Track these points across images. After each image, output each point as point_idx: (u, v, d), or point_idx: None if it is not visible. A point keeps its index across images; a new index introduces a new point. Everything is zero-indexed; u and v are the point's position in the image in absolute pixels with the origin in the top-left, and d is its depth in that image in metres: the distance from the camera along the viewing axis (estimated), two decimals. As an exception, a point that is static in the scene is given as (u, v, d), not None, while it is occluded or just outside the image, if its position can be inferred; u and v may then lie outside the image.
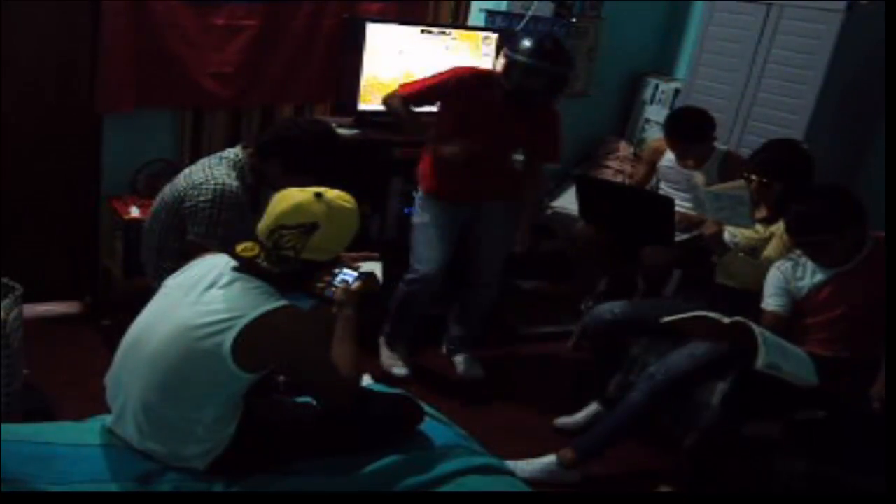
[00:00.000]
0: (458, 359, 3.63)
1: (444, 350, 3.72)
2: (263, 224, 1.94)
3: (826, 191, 2.71)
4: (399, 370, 3.46)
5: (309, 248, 1.89)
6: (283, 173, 2.54)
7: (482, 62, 3.78)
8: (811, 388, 2.47)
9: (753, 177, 2.94)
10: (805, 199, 2.64)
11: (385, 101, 3.40)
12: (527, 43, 3.14)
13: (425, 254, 3.35)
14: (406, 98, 3.31)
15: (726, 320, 2.51)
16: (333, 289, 2.10)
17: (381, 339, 3.57)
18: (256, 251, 1.92)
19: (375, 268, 3.15)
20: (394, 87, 3.69)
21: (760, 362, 2.38)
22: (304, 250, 1.89)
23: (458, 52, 3.76)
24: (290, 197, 1.93)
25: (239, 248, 1.93)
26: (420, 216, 3.40)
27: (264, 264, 1.90)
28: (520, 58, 3.12)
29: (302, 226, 1.88)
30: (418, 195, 3.46)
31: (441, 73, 3.31)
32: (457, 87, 3.25)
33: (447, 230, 3.37)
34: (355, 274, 2.15)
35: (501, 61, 3.20)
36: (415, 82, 3.37)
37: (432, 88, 3.29)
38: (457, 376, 3.58)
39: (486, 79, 3.28)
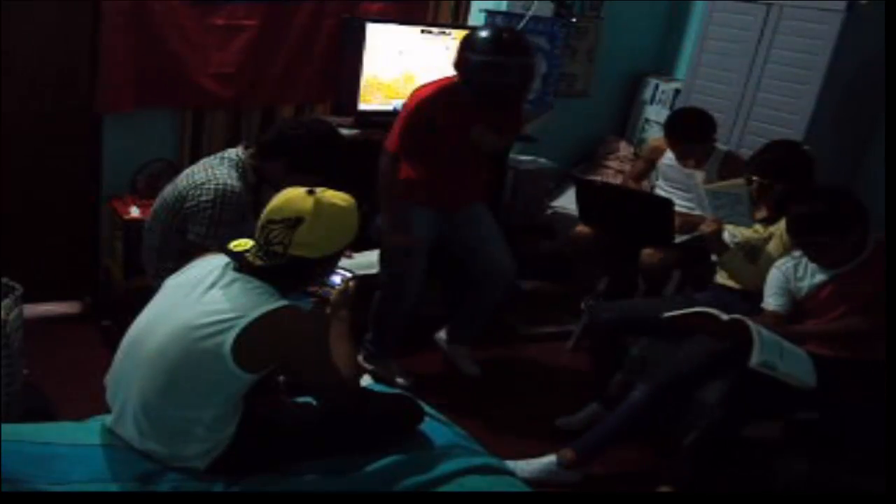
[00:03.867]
0: (461, 351, 3.59)
1: (444, 336, 3.62)
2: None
3: (827, 192, 2.71)
4: (401, 380, 3.40)
5: (295, 244, 1.87)
6: (285, 173, 2.54)
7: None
8: (809, 389, 2.47)
9: (754, 177, 2.94)
10: (806, 200, 2.64)
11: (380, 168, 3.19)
12: (485, 39, 2.96)
13: (410, 269, 3.27)
14: (396, 154, 3.13)
15: (725, 317, 2.52)
16: (327, 288, 2.11)
17: (361, 357, 3.41)
18: (249, 247, 1.92)
19: (371, 258, 3.14)
20: (394, 87, 3.70)
21: (754, 360, 2.38)
22: (291, 246, 1.88)
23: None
24: (283, 193, 1.94)
25: (233, 243, 1.94)
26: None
27: (254, 259, 1.90)
28: (483, 57, 2.94)
29: (288, 220, 1.87)
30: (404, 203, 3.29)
31: (408, 112, 3.11)
32: (427, 112, 3.08)
33: (429, 240, 3.28)
34: (349, 274, 2.16)
35: (461, 64, 3.01)
36: (394, 132, 3.13)
37: (412, 130, 3.10)
38: (455, 375, 3.57)
39: (448, 89, 3.10)
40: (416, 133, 3.11)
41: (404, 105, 3.20)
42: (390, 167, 3.15)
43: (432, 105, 3.09)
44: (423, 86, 3.18)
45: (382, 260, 3.34)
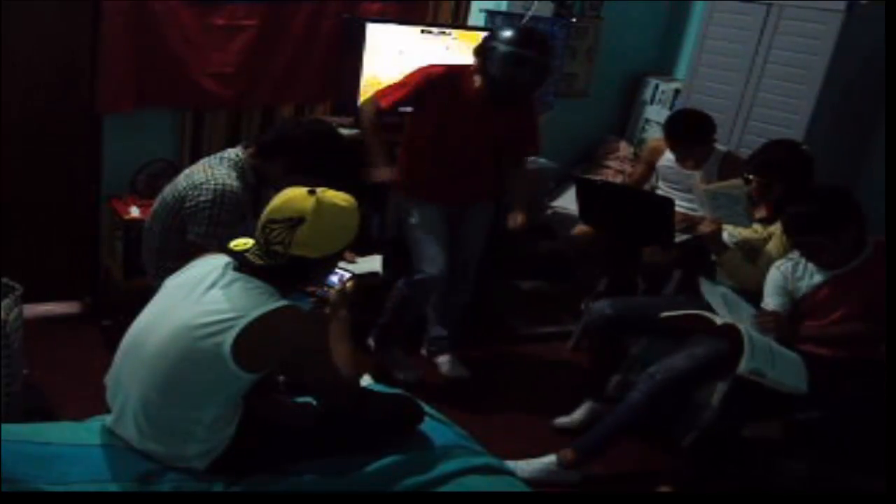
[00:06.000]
0: (442, 360, 3.57)
1: (425, 352, 3.65)
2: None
3: (822, 191, 2.71)
4: (412, 375, 3.41)
5: (296, 244, 1.87)
6: (284, 173, 2.53)
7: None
8: (800, 394, 2.47)
9: (751, 176, 2.94)
10: (800, 200, 2.64)
11: (361, 107, 3.39)
12: (511, 33, 3.12)
13: (429, 254, 3.30)
14: (384, 109, 3.26)
15: (719, 321, 2.52)
16: (326, 288, 2.11)
17: (372, 343, 3.51)
18: (249, 246, 1.92)
19: (374, 262, 3.12)
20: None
21: (743, 368, 2.39)
22: (292, 245, 1.88)
23: (458, 52, 3.76)
24: (284, 193, 1.94)
25: (233, 243, 1.94)
26: (414, 217, 3.33)
27: (254, 259, 1.90)
28: (505, 47, 3.07)
29: (289, 220, 1.87)
30: (407, 198, 3.39)
31: (413, 77, 3.25)
32: (433, 88, 3.20)
33: (442, 230, 3.34)
34: (348, 274, 2.16)
35: (482, 53, 3.14)
36: (391, 90, 3.29)
37: (410, 95, 3.23)
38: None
39: (460, 76, 3.23)
40: (415, 98, 3.21)
41: (417, 69, 3.27)
42: (375, 116, 3.28)
43: (438, 80, 3.20)
44: (436, 65, 3.29)
45: (413, 255, 3.35)
